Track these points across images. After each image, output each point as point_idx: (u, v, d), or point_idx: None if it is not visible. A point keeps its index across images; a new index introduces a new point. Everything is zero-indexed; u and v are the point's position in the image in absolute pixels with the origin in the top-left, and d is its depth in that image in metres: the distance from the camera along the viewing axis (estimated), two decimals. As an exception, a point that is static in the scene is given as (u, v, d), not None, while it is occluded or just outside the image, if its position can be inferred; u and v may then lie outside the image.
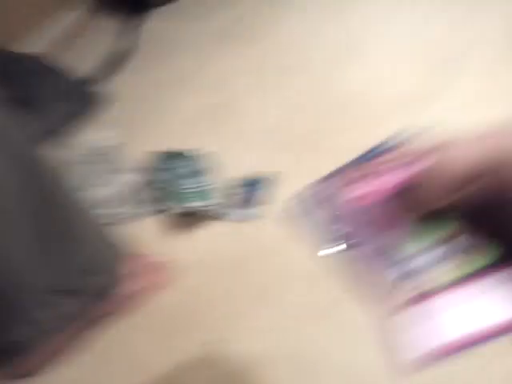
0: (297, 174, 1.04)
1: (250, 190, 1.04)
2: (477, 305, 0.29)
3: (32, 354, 0.83)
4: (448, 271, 0.29)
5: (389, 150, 0.76)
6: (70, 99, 1.31)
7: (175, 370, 0.84)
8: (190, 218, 1.03)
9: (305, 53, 1.34)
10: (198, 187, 1.04)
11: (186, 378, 0.83)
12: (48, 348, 0.84)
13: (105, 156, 1.18)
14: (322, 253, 0.86)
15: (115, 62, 1.47)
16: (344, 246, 0.32)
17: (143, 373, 0.84)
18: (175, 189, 1.04)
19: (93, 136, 1.24)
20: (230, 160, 1.12)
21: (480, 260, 0.28)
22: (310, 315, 0.85)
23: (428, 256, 0.29)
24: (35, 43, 1.49)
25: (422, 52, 1.21)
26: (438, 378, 0.71)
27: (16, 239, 0.72)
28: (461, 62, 1.14)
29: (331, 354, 0.80)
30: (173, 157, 1.12)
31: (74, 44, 1.56)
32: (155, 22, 1.60)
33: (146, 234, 1.04)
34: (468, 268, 0.29)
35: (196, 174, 1.08)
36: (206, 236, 1.01)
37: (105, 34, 1.58)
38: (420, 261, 0.29)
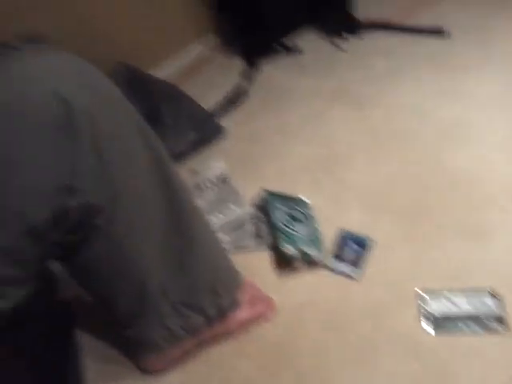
0: (395, 242, 1.11)
1: (356, 247, 1.11)
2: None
3: (159, 355, 0.92)
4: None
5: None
6: (201, 127, 1.42)
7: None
8: (298, 262, 1.10)
9: (417, 123, 1.41)
10: (310, 233, 1.12)
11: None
12: (172, 353, 0.93)
13: (223, 186, 1.29)
14: (425, 326, 0.94)
15: (234, 100, 1.59)
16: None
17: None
18: (289, 230, 1.11)
19: (210, 165, 1.35)
20: (331, 212, 1.20)
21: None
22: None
23: None
24: (163, 71, 1.63)
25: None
26: None
27: (156, 250, 0.81)
28: None
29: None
30: (288, 199, 1.21)
31: (198, 77, 1.70)
32: (272, 70, 1.72)
33: (255, 267, 1.12)
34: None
35: (308, 220, 1.16)
36: (309, 282, 1.07)
37: (226, 71, 1.73)
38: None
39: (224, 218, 1.21)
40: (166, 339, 0.88)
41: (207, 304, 0.89)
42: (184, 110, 1.46)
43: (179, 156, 1.39)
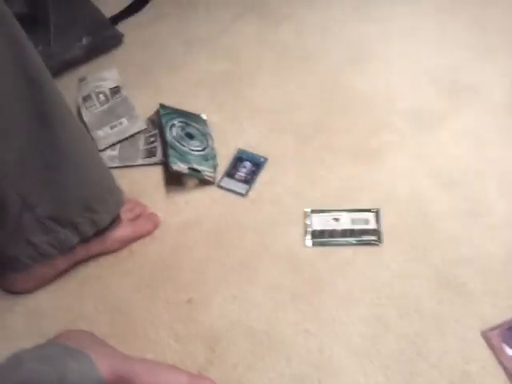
0: (288, 162, 1.10)
1: (248, 165, 1.09)
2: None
3: (27, 274, 0.87)
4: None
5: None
6: (96, 32, 1.30)
7: (146, 314, 0.89)
8: (188, 178, 1.06)
9: (327, 44, 1.36)
10: (203, 150, 1.08)
11: (158, 326, 0.88)
12: (42, 271, 0.88)
13: (116, 98, 1.20)
14: (306, 242, 0.95)
15: (136, 5, 1.46)
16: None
17: (118, 312, 0.89)
18: (183, 147, 1.07)
19: (102, 75, 1.25)
20: (229, 130, 1.17)
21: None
22: (281, 298, 0.90)
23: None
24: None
25: (438, 74, 1.26)
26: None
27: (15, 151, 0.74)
28: (468, 95, 1.22)
29: (293, 339, 0.86)
30: (184, 115, 1.15)
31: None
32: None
33: (143, 183, 1.07)
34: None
35: (203, 137, 1.11)
36: (197, 199, 1.04)
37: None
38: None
39: (114, 133, 1.13)
40: (32, 257, 0.83)
41: (80, 220, 0.84)
42: (77, 11, 1.32)
43: (69, 62, 1.27)
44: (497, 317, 0.86)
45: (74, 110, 1.19)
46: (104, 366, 0.71)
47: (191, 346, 0.85)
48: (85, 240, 0.88)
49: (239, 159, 1.10)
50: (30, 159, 0.76)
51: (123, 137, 1.13)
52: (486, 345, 0.83)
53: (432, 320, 0.86)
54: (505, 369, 0.80)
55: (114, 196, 0.90)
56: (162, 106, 1.15)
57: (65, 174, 0.80)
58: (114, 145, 1.12)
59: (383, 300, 0.89)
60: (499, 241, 0.96)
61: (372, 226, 0.97)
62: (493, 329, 0.84)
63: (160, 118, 1.12)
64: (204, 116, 1.17)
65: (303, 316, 0.88)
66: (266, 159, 1.10)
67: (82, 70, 1.30)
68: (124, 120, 1.15)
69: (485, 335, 0.84)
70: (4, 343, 0.86)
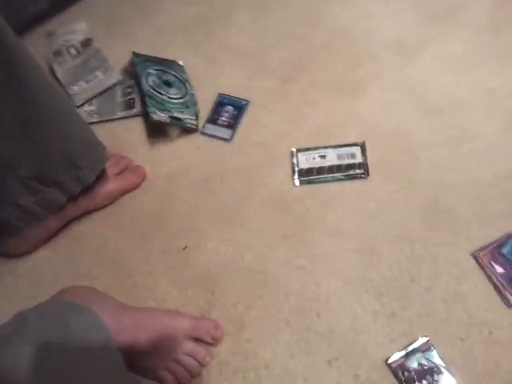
0: (271, 102, 1.08)
1: (230, 109, 1.07)
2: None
3: (20, 237, 0.87)
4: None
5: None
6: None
7: (143, 265, 0.90)
8: (170, 127, 1.05)
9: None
10: (183, 97, 1.06)
11: (157, 275, 0.89)
12: (35, 233, 0.88)
13: (88, 51, 1.15)
14: (293, 181, 0.95)
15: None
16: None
17: (116, 266, 0.90)
18: (162, 96, 1.04)
19: (72, 28, 1.20)
20: (208, 75, 1.14)
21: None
22: (274, 238, 0.91)
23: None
24: None
25: (414, 2, 1.22)
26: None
27: None
28: (451, 19, 1.19)
29: (289, 276, 0.88)
30: (160, 62, 1.11)
31: None
32: None
33: (125, 137, 1.05)
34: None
35: (182, 84, 1.09)
36: (182, 148, 1.03)
37: None
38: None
39: (90, 87, 1.10)
40: (23, 219, 0.83)
41: (65, 178, 0.83)
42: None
43: (34, 17, 1.21)
44: (485, 238, 0.88)
45: (45, 67, 1.15)
46: (108, 318, 0.72)
47: (191, 291, 0.87)
48: (73, 198, 0.87)
49: (221, 104, 1.08)
50: (5, 120, 0.73)
51: (99, 90, 1.10)
52: (476, 265, 0.86)
53: (423, 246, 0.88)
54: (495, 286, 0.83)
55: (97, 151, 0.88)
56: (136, 55, 1.11)
57: (42, 131, 0.77)
58: (90, 100, 1.09)
59: (373, 231, 0.90)
60: (486, 165, 0.96)
61: (358, 159, 0.97)
62: (482, 249, 0.87)
63: (135, 68, 1.09)
64: (181, 62, 1.13)
65: (297, 253, 0.89)
66: (247, 102, 1.08)
67: (50, 25, 1.25)
68: (98, 73, 1.12)
69: (475, 256, 0.86)
70: (9, 304, 0.87)
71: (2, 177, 0.77)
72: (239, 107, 1.07)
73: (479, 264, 0.86)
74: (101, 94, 1.10)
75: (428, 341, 0.79)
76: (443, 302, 0.83)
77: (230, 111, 1.06)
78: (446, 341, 0.79)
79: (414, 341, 0.79)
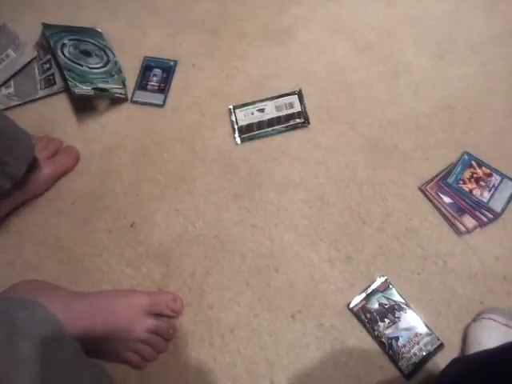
0: (200, 59, 1.03)
1: (158, 72, 1.01)
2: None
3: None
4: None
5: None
6: None
7: (92, 249, 0.86)
8: (97, 100, 0.98)
9: None
10: (105, 66, 0.99)
11: (107, 257, 0.86)
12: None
13: (-8, 29, 1.05)
14: (238, 140, 0.92)
15: None
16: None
17: (63, 253, 0.86)
18: (82, 68, 0.97)
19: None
20: (130, 39, 1.07)
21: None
22: (223, 201, 0.89)
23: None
24: None
25: None
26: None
27: None
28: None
29: (243, 237, 0.87)
30: (75, 31, 1.03)
31: None
32: None
33: (51, 116, 0.98)
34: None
35: (102, 51, 1.01)
36: (113, 120, 0.98)
37: None
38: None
39: (3, 68, 1.01)
40: None
41: None
42: None
43: None
44: (430, 170, 0.89)
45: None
46: (58, 308, 0.69)
47: (145, 267, 0.84)
48: (6, 192, 0.81)
49: (148, 68, 1.02)
50: None
51: (14, 70, 1.01)
52: (424, 198, 0.87)
53: (370, 187, 0.88)
54: (444, 216, 0.85)
55: (22, 142, 0.81)
56: (47, 26, 1.02)
57: None
58: (6, 82, 1.00)
59: (321, 179, 0.90)
60: (422, 96, 0.96)
61: (297, 108, 0.95)
62: (428, 182, 0.88)
63: (47, 40, 1.00)
64: (98, 28, 1.06)
65: (248, 212, 0.88)
66: (176, 62, 1.02)
67: None
68: (10, 51, 1.03)
69: (422, 189, 0.87)
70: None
71: None
72: (167, 69, 1.01)
73: (427, 197, 0.87)
74: (17, 73, 1.01)
75: (386, 280, 0.80)
76: (396, 240, 0.84)
77: (158, 74, 1.01)
78: (403, 277, 0.81)
79: (373, 282, 0.80)
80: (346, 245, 0.84)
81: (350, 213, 0.86)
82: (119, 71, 1.00)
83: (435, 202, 0.86)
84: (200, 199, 0.89)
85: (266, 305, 0.80)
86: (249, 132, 0.93)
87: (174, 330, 0.78)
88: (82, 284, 0.83)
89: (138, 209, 0.89)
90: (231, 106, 0.96)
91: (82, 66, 0.97)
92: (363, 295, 0.79)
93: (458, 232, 0.84)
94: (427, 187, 0.87)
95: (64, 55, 0.97)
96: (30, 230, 0.89)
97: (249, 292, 0.81)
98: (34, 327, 0.63)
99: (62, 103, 1.00)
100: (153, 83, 1.00)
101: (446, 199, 0.86)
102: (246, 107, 0.96)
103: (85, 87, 0.93)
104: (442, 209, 0.85)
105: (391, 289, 0.79)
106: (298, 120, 0.94)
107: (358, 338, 0.77)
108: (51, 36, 1.00)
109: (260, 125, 0.94)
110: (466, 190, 0.86)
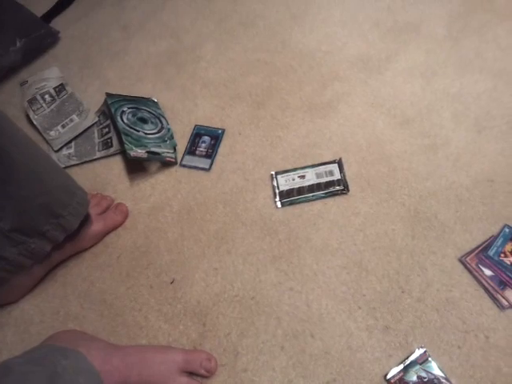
0: (245, 129, 1.10)
1: (206, 139, 1.08)
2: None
3: (6, 287, 0.86)
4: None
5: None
6: (29, 33, 1.25)
7: (132, 303, 0.89)
8: (149, 163, 1.05)
9: (264, 7, 1.35)
10: (159, 132, 1.07)
11: (146, 312, 0.88)
12: (21, 282, 0.87)
13: (62, 96, 1.16)
14: (278, 205, 0.96)
15: (66, 0, 1.41)
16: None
17: (105, 306, 0.89)
18: (138, 133, 1.05)
19: (44, 75, 1.21)
20: (183, 108, 1.15)
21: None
22: (262, 263, 0.91)
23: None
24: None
25: (378, 17, 1.26)
26: (373, 311, 0.82)
27: None
28: (410, 33, 1.22)
29: (280, 300, 0.87)
30: (134, 100, 1.12)
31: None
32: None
33: (106, 175, 1.05)
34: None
35: (157, 119, 1.10)
36: (162, 181, 1.04)
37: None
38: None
39: (66, 131, 1.11)
40: (8, 270, 0.81)
41: (47, 227, 0.82)
42: (6, 13, 1.27)
43: (8, 69, 1.23)
44: (470, 242, 0.88)
45: (21, 116, 1.16)
46: (97, 359, 0.71)
47: (182, 324, 0.86)
48: (58, 244, 0.86)
49: (197, 135, 1.09)
50: None
51: (76, 133, 1.10)
52: (464, 270, 0.86)
53: (410, 256, 0.88)
54: (485, 289, 0.83)
55: (77, 197, 0.87)
56: (109, 95, 1.12)
57: (16, 185, 0.76)
58: (68, 143, 1.10)
59: (360, 246, 0.90)
60: (461, 169, 0.98)
61: (337, 176, 0.98)
62: (468, 253, 0.87)
63: (109, 108, 1.10)
64: (154, 98, 1.15)
65: (285, 275, 0.89)
66: (223, 130, 1.09)
67: (23, 75, 1.27)
68: (74, 116, 1.13)
69: (462, 261, 0.86)
70: (-2, 356, 0.85)
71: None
72: (215, 136, 1.08)
73: (467, 269, 0.86)
74: (78, 136, 1.11)
75: (425, 352, 0.78)
76: (436, 311, 0.82)
77: (206, 141, 1.08)
78: (442, 350, 0.78)
79: (411, 353, 0.78)
80: (384, 313, 0.83)
81: (389, 281, 0.86)
82: (171, 137, 1.08)
83: (476, 274, 0.85)
84: (239, 260, 0.91)
85: (301, 371, 0.79)
86: (289, 197, 0.97)
87: (207, 391, 0.77)
88: (120, 337, 0.85)
89: (179, 266, 0.92)
90: (273, 172, 1.01)
91: (138, 131, 1.05)
92: (401, 367, 0.77)
93: (500, 306, 0.82)
94: (467, 259, 0.86)
95: (123, 121, 1.06)
96: (76, 282, 0.93)
97: (283, 356, 0.80)
98: (74, 376, 0.65)
99: (117, 164, 1.07)
100: (201, 149, 1.06)
101: (487, 272, 0.85)
102: (288, 173, 1.00)
103: (139, 150, 1.00)
104: (483, 281, 0.84)
105: (430, 361, 0.77)
106: (337, 187, 0.97)
107: (396, 411, 0.74)
108: (112, 104, 1.09)
109: (300, 190, 0.97)
110: (508, 263, 0.85)
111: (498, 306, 0.82)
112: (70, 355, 0.69)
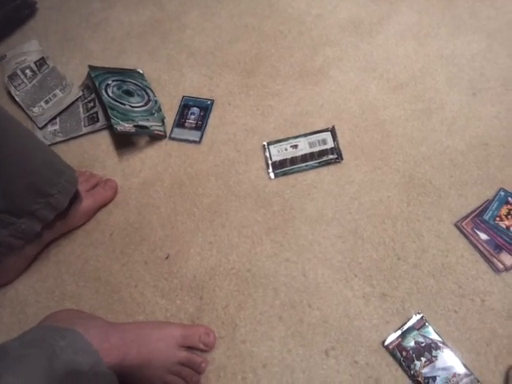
0: (235, 98, 1.07)
1: (195, 110, 1.05)
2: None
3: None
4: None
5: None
6: (5, 4, 1.19)
7: (128, 279, 0.88)
8: (137, 137, 1.03)
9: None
10: (146, 105, 1.04)
11: (142, 288, 0.88)
12: (13, 263, 0.86)
13: (44, 70, 1.12)
14: (271, 176, 0.94)
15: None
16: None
17: (100, 283, 0.88)
18: (124, 106, 1.02)
19: (23, 49, 1.17)
20: (169, 79, 1.12)
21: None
22: (257, 235, 0.90)
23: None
24: None
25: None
26: (370, 279, 0.83)
27: None
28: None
29: (276, 271, 0.87)
30: (118, 73, 1.09)
31: None
32: None
33: (93, 151, 1.03)
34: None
35: (143, 91, 1.06)
36: (152, 155, 1.01)
37: None
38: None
39: (50, 107, 1.07)
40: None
41: (36, 207, 0.80)
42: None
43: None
44: (466, 206, 0.88)
45: (2, 93, 1.12)
46: (95, 338, 0.70)
47: (179, 299, 0.85)
48: (49, 223, 0.85)
49: (186, 106, 1.06)
50: None
51: (60, 109, 1.07)
52: (460, 235, 0.86)
53: (405, 223, 0.88)
54: (481, 253, 0.83)
55: (65, 175, 0.85)
56: (92, 68, 1.08)
57: (4, 167, 0.74)
58: (53, 119, 1.06)
59: (355, 214, 0.90)
60: (456, 133, 0.97)
61: (330, 145, 0.97)
62: (464, 218, 0.87)
63: (93, 81, 1.06)
64: (140, 69, 1.12)
65: (281, 246, 0.88)
66: (212, 101, 1.06)
67: (1, 49, 1.22)
68: (57, 91, 1.09)
69: (457, 226, 0.86)
70: (-6, 338, 0.84)
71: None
72: (205, 107, 1.05)
73: (463, 233, 0.86)
74: (63, 112, 1.07)
75: (422, 317, 0.78)
76: (432, 277, 0.82)
77: (195, 113, 1.05)
78: (439, 315, 0.79)
79: (408, 319, 0.79)
80: (380, 281, 0.83)
81: (385, 248, 0.86)
82: (159, 110, 1.05)
83: (471, 238, 0.85)
84: (234, 232, 0.90)
85: (299, 340, 0.79)
86: (282, 167, 0.95)
87: (206, 364, 0.77)
88: (117, 314, 0.84)
89: (173, 241, 0.91)
90: (265, 143, 0.99)
91: (124, 104, 1.02)
92: (399, 333, 0.77)
93: (495, 269, 0.82)
94: (463, 223, 0.86)
95: (108, 95, 1.02)
96: (69, 260, 0.91)
97: (282, 327, 0.81)
98: (72, 356, 0.64)
99: (104, 139, 1.04)
100: (190, 121, 1.04)
101: (483, 236, 0.85)
102: (280, 143, 0.98)
103: (126, 124, 0.97)
104: (479, 245, 0.84)
105: (427, 326, 0.77)
106: (331, 156, 0.95)
107: (394, 376, 0.75)
108: (96, 77, 1.05)
109: (293, 160, 0.96)
110: (503, 226, 0.85)
111: (493, 270, 0.82)
112: (68, 335, 0.68)
